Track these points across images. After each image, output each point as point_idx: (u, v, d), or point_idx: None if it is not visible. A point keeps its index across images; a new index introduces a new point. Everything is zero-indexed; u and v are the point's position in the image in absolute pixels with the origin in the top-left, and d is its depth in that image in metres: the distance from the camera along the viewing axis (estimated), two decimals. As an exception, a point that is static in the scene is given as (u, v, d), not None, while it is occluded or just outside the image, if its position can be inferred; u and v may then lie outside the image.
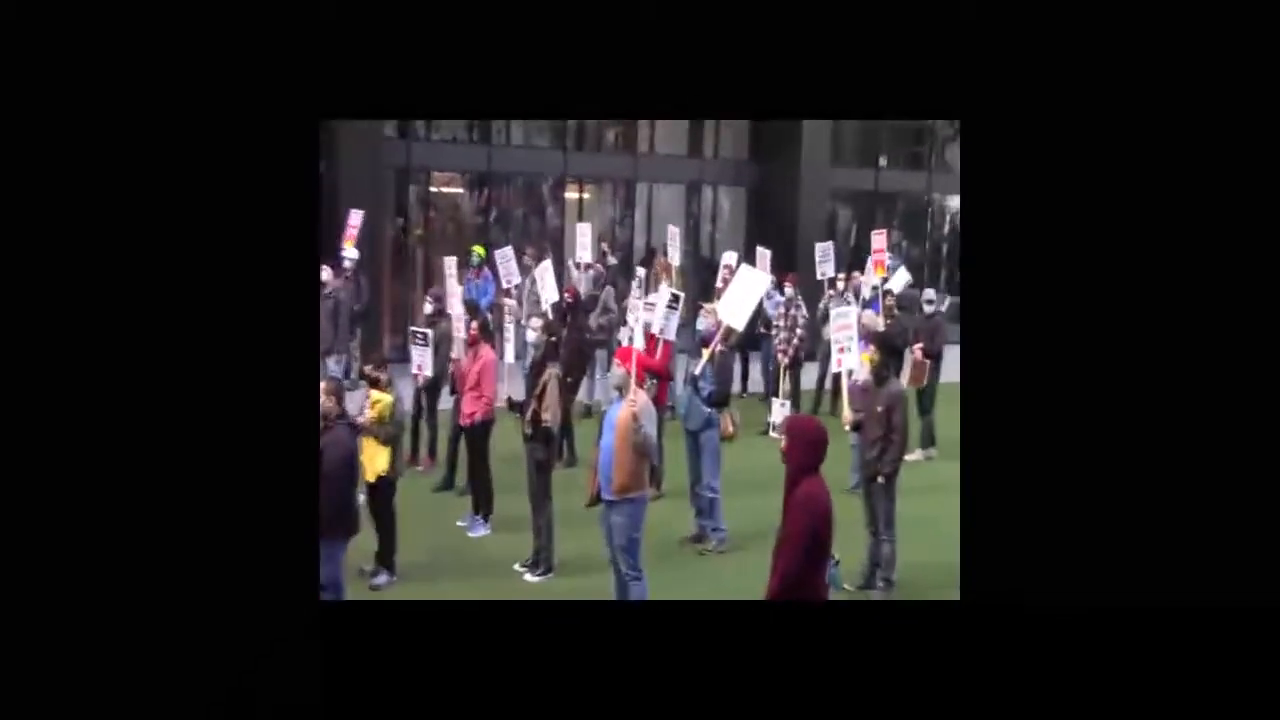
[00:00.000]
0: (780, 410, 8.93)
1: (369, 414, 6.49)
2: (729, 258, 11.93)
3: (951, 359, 7.85)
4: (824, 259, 11.22)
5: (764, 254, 10.85)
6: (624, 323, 9.61)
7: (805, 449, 4.20)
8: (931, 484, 8.44)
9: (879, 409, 6.60)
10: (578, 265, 11.38)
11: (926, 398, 10.08)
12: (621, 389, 6.03)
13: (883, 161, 17.64)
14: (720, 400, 7.54)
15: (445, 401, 8.75)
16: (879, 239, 11.02)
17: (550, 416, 6.71)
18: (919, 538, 7.11)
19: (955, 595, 4.13)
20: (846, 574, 6.31)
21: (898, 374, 8.52)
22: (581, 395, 10.58)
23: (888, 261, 11.45)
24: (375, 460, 6.52)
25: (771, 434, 9.18)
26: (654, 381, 8.00)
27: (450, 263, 9.42)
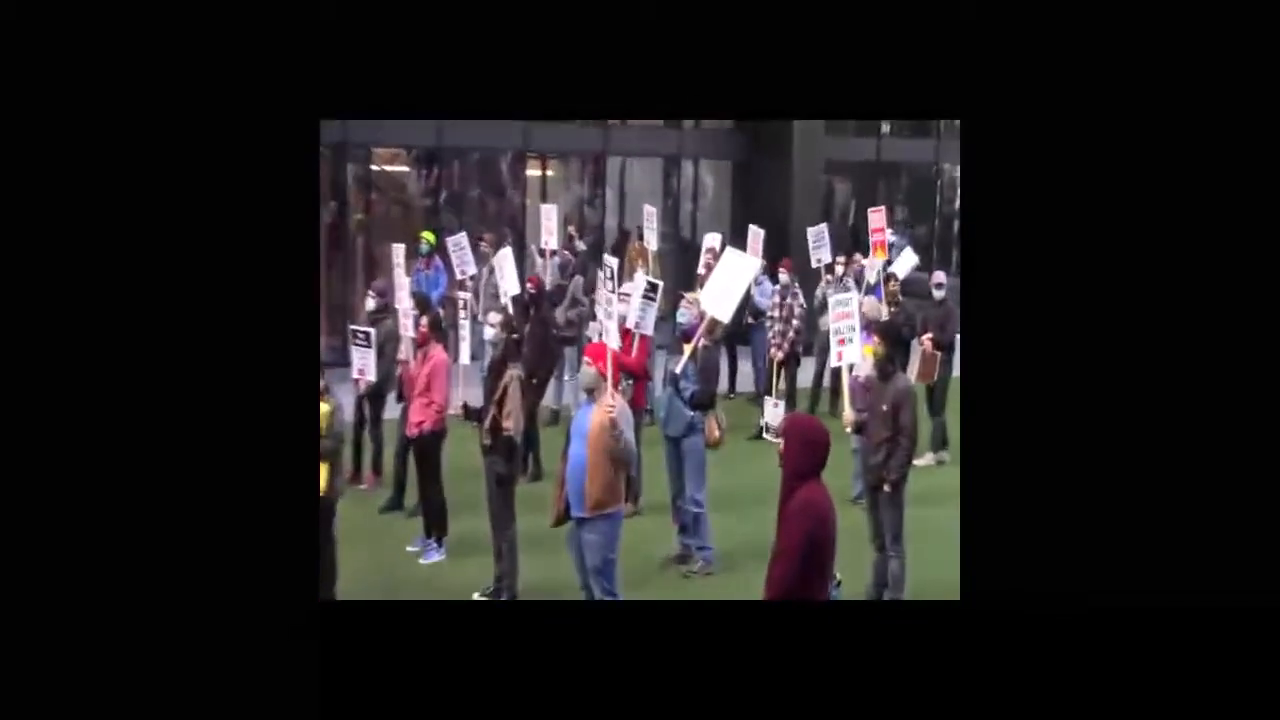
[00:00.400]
0: (774, 411, 8.95)
1: (304, 426, 6.48)
2: (712, 240, 11.96)
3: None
4: (818, 244, 11.28)
5: (757, 233, 10.90)
6: (595, 316, 9.62)
7: (803, 451, 4.26)
8: (944, 492, 8.44)
9: (884, 408, 6.64)
10: (541, 252, 11.38)
11: (938, 394, 10.15)
12: (592, 391, 6.05)
13: (885, 128, 17.69)
14: (705, 402, 7.57)
15: (391, 410, 8.75)
16: (877, 217, 11.08)
17: (512, 424, 6.72)
18: (931, 553, 7.13)
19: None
20: (850, 595, 6.34)
21: (904, 368, 8.57)
22: (548, 400, 10.61)
23: (890, 240, 11.50)
24: (312, 478, 6.52)
25: (766, 437, 9.21)
26: (630, 382, 8.02)
27: (398, 251, 9.38)
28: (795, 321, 11.06)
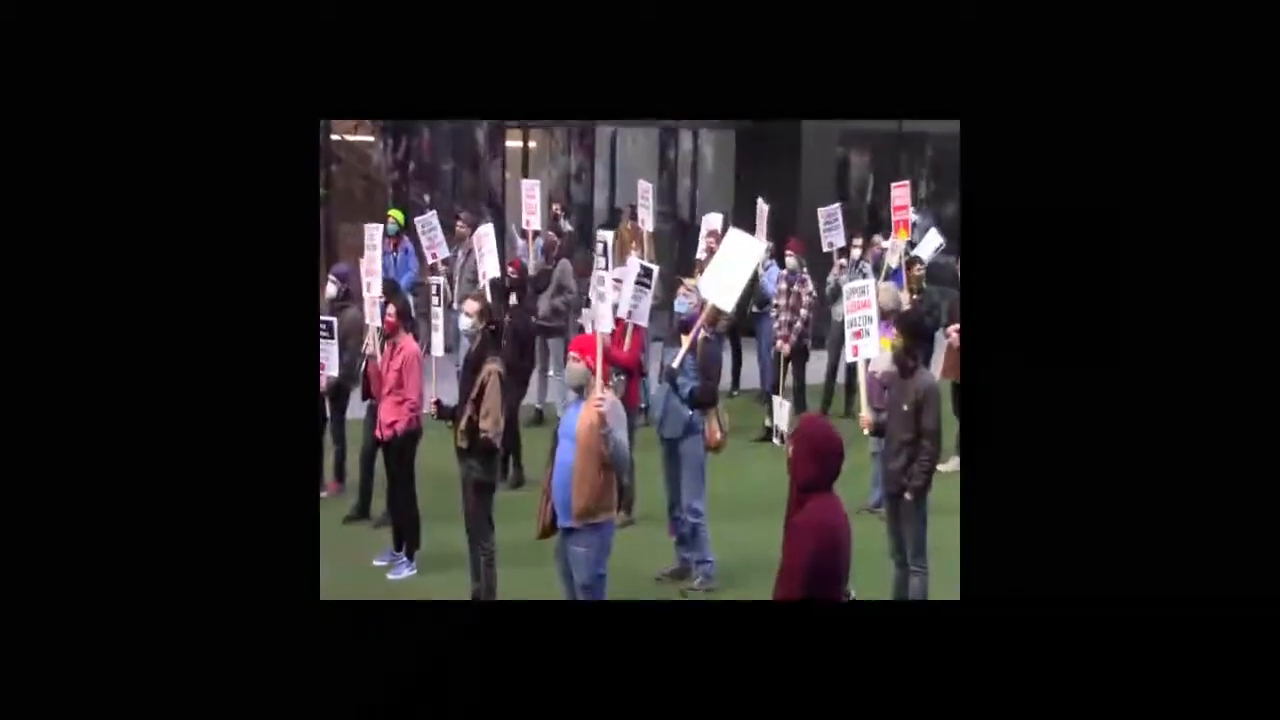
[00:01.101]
0: (782, 411, 8.97)
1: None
2: (714, 220, 11.98)
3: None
4: (830, 226, 11.32)
5: (764, 209, 10.93)
6: (589, 304, 9.65)
7: (813, 460, 4.30)
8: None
9: (905, 407, 6.68)
10: (523, 233, 11.40)
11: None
12: (581, 388, 6.08)
13: (908, 95, 17.67)
14: (705, 400, 7.59)
15: (356, 409, 8.77)
16: (901, 193, 11.13)
17: (490, 425, 6.76)
18: (956, 568, 7.17)
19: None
20: (866, 615, 6.40)
21: (928, 363, 8.61)
22: (530, 397, 10.65)
23: (913, 220, 11.54)
24: (269, 484, 6.57)
25: (775, 441, 9.26)
26: (622, 378, 8.06)
27: (372, 232, 9.12)
28: (804, 311, 11.05)
